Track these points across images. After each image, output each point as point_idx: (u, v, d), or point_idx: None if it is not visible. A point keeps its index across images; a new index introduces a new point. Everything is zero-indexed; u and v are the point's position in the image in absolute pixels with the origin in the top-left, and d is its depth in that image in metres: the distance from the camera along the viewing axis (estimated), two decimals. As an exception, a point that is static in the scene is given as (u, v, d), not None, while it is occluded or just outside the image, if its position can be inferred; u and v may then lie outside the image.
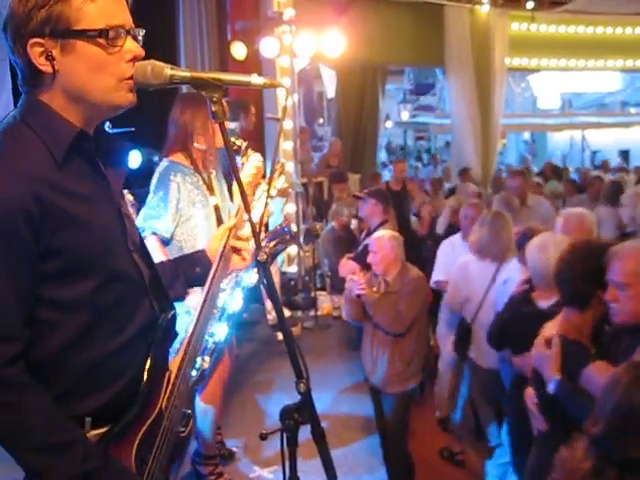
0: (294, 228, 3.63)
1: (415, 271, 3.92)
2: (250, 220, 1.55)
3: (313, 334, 6.44)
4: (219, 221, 3.25)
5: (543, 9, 11.55)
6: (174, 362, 1.69)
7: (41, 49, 1.40)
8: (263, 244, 3.07)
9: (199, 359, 3.07)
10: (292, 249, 7.10)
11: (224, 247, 1.91)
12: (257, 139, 6.78)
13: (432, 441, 4.58)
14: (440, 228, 5.94)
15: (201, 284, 1.85)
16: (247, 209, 1.56)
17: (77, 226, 1.43)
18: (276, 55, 7.04)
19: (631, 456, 1.69)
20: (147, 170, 4.54)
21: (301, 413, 1.48)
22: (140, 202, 3.75)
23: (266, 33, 7.01)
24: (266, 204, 2.38)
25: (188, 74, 1.48)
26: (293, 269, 7.25)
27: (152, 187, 3.24)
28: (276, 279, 6.34)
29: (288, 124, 7.13)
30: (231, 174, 2.54)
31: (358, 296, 3.76)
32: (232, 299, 3.18)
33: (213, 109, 1.47)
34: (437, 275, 4.75)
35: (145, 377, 1.57)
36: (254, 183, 2.34)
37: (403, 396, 3.85)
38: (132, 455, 1.52)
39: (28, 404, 1.37)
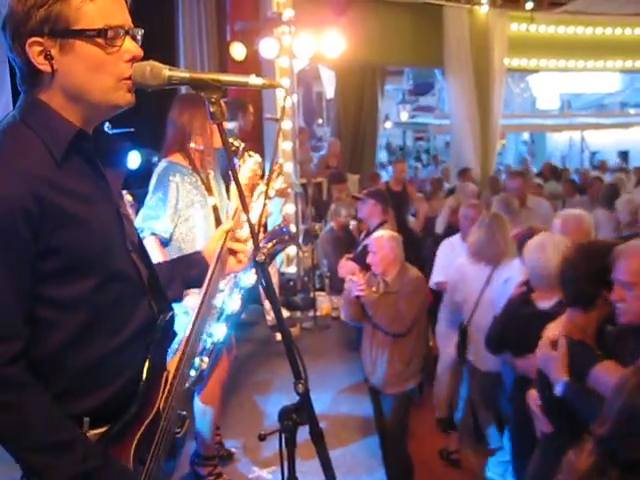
0: (293, 229, 3.63)
1: (414, 271, 3.92)
2: (249, 221, 1.55)
3: (312, 335, 6.44)
4: (217, 221, 3.25)
5: (542, 10, 11.55)
6: (172, 363, 1.69)
7: (40, 48, 1.40)
8: (261, 245, 3.07)
9: (197, 359, 3.08)
10: (291, 250, 7.10)
11: (221, 249, 1.91)
12: (256, 139, 6.77)
13: (431, 442, 4.58)
14: (439, 228, 5.93)
15: (198, 285, 1.85)
16: (245, 210, 1.56)
17: (76, 225, 1.43)
18: (275, 56, 7.04)
19: (636, 457, 1.69)
20: (146, 171, 4.54)
21: (300, 414, 1.48)
22: (139, 202, 3.75)
23: (265, 34, 7.01)
24: (264, 204, 2.38)
25: (187, 75, 1.48)
26: (292, 269, 7.25)
27: (151, 188, 3.24)
28: (275, 280, 6.34)
29: (287, 124, 7.13)
30: (228, 175, 2.55)
31: (357, 297, 3.76)
32: (231, 300, 3.18)
33: (212, 110, 1.47)
34: (437, 276, 4.75)
35: (144, 377, 1.57)
36: (251, 184, 2.34)
37: (402, 396, 3.85)
38: (130, 455, 1.52)
39: (29, 403, 1.37)
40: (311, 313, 6.71)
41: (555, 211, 5.98)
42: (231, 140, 2.83)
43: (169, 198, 3.15)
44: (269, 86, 1.54)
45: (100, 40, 1.42)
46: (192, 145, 3.23)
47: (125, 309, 1.56)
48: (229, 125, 5.26)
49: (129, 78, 1.46)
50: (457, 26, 10.13)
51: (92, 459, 1.42)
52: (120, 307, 1.54)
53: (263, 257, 1.50)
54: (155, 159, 5.04)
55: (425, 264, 5.15)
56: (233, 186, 2.54)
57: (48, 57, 1.40)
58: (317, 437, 1.48)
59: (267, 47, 6.90)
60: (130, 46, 1.46)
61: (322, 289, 7.29)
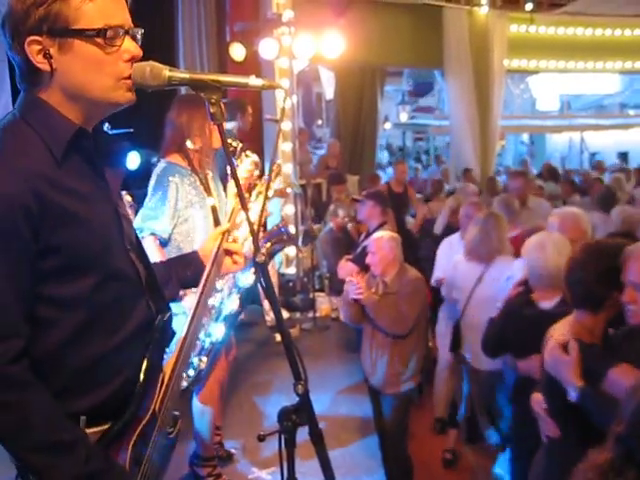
0: (292, 229, 3.64)
1: (413, 272, 3.92)
2: (248, 221, 1.55)
3: (311, 335, 6.44)
4: (216, 222, 3.25)
5: (542, 11, 11.58)
6: (168, 364, 1.69)
7: (39, 47, 1.40)
8: (260, 244, 3.07)
9: (196, 359, 3.08)
10: (291, 250, 7.10)
11: (217, 249, 1.91)
12: (256, 140, 6.77)
13: (431, 443, 4.58)
14: (438, 228, 5.92)
15: (194, 285, 1.85)
16: (245, 209, 1.56)
17: (76, 224, 1.44)
18: (275, 56, 7.04)
19: None
20: (145, 171, 4.54)
21: (299, 414, 1.48)
22: (138, 203, 3.75)
23: (265, 34, 7.00)
24: (263, 205, 2.38)
25: (187, 75, 1.48)
26: (291, 270, 7.24)
27: (150, 188, 3.24)
28: (274, 280, 6.34)
29: (287, 125, 7.12)
30: (226, 175, 2.55)
31: (355, 300, 3.76)
32: (229, 299, 3.18)
33: (211, 111, 1.47)
34: (437, 273, 4.76)
35: (141, 377, 1.58)
36: (247, 184, 2.35)
37: (402, 397, 3.84)
38: (127, 456, 1.52)
39: (30, 403, 1.37)
40: (310, 314, 6.71)
41: (555, 212, 5.95)
42: (229, 140, 2.84)
43: (168, 198, 3.15)
44: (269, 87, 1.54)
45: (99, 40, 1.42)
46: (190, 145, 3.23)
47: (124, 308, 1.57)
48: (228, 126, 5.26)
49: (129, 77, 1.46)
50: (457, 27, 10.14)
51: (94, 461, 1.42)
52: (119, 306, 1.55)
53: (263, 258, 1.50)
54: (155, 160, 5.04)
55: (423, 265, 5.15)
56: (230, 186, 2.54)
57: (47, 56, 1.40)
58: (316, 438, 1.48)
59: (267, 48, 6.90)
60: (129, 46, 1.46)
61: (322, 290, 7.29)
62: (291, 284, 7.08)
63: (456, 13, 10.20)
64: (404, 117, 17.58)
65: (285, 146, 7.24)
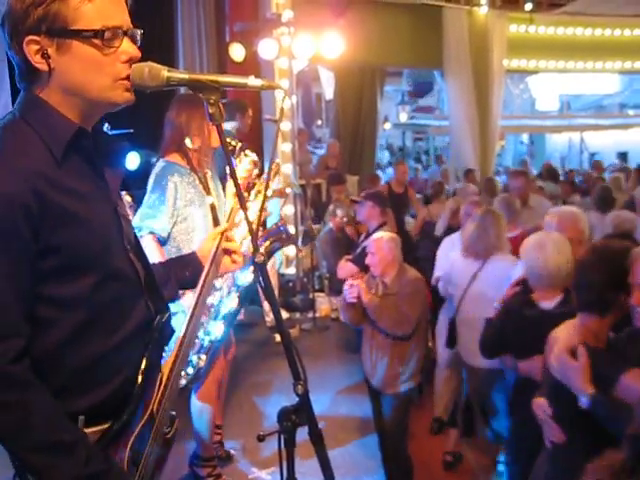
0: (292, 229, 3.63)
1: (413, 272, 3.91)
2: (247, 220, 1.55)
3: (311, 336, 6.44)
4: (215, 221, 3.25)
5: (542, 11, 11.58)
6: (166, 363, 1.69)
7: (37, 47, 1.40)
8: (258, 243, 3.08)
9: (195, 357, 3.09)
10: (290, 251, 7.10)
11: (216, 249, 1.91)
12: (255, 140, 6.77)
13: (431, 443, 4.57)
14: (439, 230, 5.91)
15: (193, 286, 1.85)
16: (244, 208, 1.56)
17: (76, 223, 1.44)
18: (274, 57, 7.04)
19: None
20: (145, 172, 4.53)
21: (299, 414, 1.48)
22: (138, 203, 3.74)
23: (264, 35, 7.00)
24: (262, 204, 2.39)
25: (186, 76, 1.48)
26: (291, 271, 7.24)
27: (149, 187, 3.25)
28: (274, 281, 6.34)
29: (286, 126, 7.11)
30: (225, 175, 2.55)
31: (354, 302, 3.75)
32: (228, 298, 3.19)
33: (210, 111, 1.47)
34: (437, 272, 4.76)
35: (140, 377, 1.58)
36: (246, 183, 2.35)
37: (402, 397, 3.84)
38: (125, 456, 1.52)
39: (31, 403, 1.37)
40: (310, 314, 6.71)
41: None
42: (228, 140, 2.84)
43: (167, 197, 3.15)
44: (268, 87, 1.54)
45: (97, 41, 1.42)
46: (189, 145, 3.24)
47: (123, 308, 1.57)
48: (227, 126, 5.26)
49: (127, 78, 1.46)
50: (456, 27, 10.14)
51: (94, 462, 1.42)
52: (118, 306, 1.55)
53: (262, 258, 1.50)
54: (154, 160, 5.04)
55: (422, 265, 5.15)
56: (229, 185, 2.55)
57: (45, 56, 1.40)
58: (316, 438, 1.49)
59: (266, 48, 6.90)
60: (127, 47, 1.46)
61: (321, 290, 7.29)
62: (291, 284, 7.08)
63: (456, 13, 10.20)
64: (404, 117, 17.58)
65: (285, 146, 7.23)
